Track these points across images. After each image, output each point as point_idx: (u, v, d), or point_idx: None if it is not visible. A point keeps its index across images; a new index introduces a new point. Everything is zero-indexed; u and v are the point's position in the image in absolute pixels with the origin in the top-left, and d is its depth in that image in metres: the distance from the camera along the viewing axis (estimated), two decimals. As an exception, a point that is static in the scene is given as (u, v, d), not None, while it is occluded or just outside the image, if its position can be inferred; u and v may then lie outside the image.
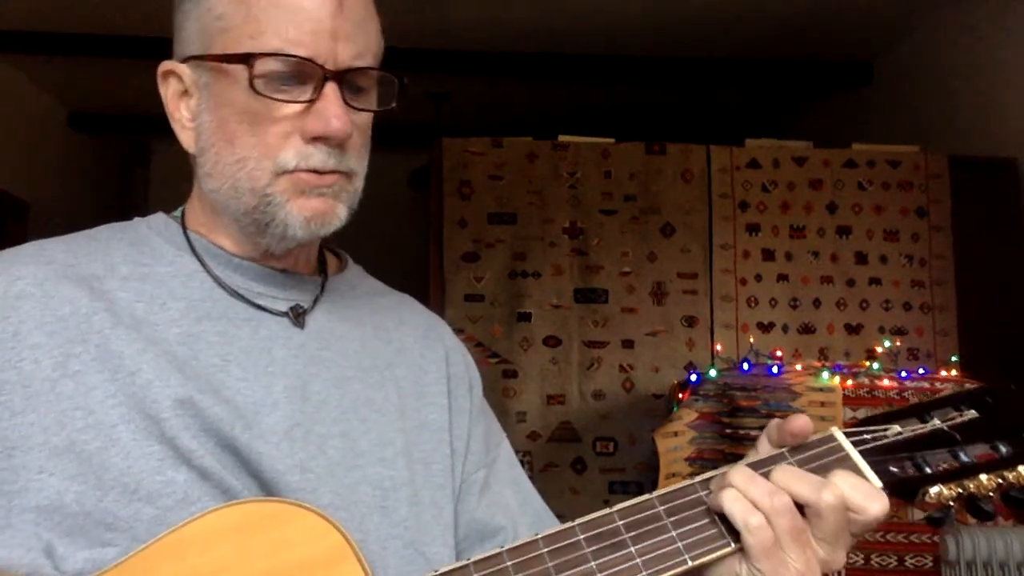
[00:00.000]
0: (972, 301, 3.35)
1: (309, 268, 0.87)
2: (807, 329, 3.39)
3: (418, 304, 0.97)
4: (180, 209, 0.86)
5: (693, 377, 2.78)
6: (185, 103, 0.80)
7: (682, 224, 3.41)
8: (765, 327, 3.38)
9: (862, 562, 2.31)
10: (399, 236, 4.89)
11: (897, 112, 4.26)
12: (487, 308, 3.31)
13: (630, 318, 3.36)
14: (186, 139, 0.81)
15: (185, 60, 0.79)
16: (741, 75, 4.64)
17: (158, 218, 0.85)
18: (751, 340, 3.29)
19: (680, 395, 2.76)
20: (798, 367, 2.55)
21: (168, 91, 0.81)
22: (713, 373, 2.60)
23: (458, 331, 0.98)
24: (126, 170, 6.10)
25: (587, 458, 3.29)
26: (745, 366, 2.62)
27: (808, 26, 4.10)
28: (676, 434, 2.47)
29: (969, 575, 2.18)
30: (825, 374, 2.43)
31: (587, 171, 3.40)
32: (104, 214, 0.91)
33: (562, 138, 3.43)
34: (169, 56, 0.81)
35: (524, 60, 4.48)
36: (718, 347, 3.26)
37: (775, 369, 2.49)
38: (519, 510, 0.89)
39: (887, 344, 3.08)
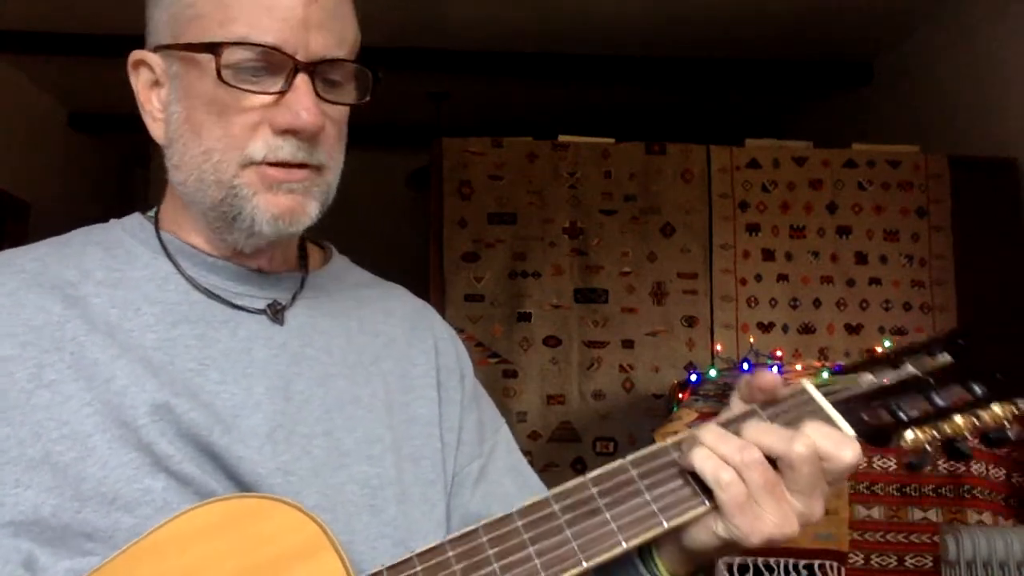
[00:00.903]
0: (972, 301, 3.35)
1: (288, 265, 0.84)
2: (807, 329, 3.39)
3: (407, 293, 0.94)
4: (155, 208, 0.84)
5: (693, 377, 2.77)
6: (156, 93, 0.79)
7: (682, 224, 3.40)
8: (765, 327, 3.37)
9: (862, 562, 2.31)
10: (399, 236, 4.89)
11: (897, 112, 4.26)
12: (487, 308, 3.31)
13: (630, 318, 3.35)
14: (156, 130, 0.79)
15: (156, 49, 0.78)
16: (741, 75, 4.63)
17: (133, 219, 0.83)
18: (751, 340, 3.29)
19: (680, 395, 2.76)
20: (798, 367, 2.54)
21: (139, 81, 0.80)
22: (713, 373, 2.59)
23: (458, 331, 0.97)
24: (126, 170, 6.09)
25: (587, 458, 3.29)
26: (745, 366, 2.62)
27: (808, 26, 4.10)
28: (676, 434, 2.46)
29: (969, 575, 2.18)
30: (825, 374, 2.42)
31: (587, 171, 3.40)
32: (104, 214, 0.90)
33: (562, 138, 3.43)
34: None
35: (523, 60, 4.47)
36: (718, 347, 3.26)
37: (775, 369, 2.49)
38: (519, 497, 0.87)
39: (887, 344, 3.08)
